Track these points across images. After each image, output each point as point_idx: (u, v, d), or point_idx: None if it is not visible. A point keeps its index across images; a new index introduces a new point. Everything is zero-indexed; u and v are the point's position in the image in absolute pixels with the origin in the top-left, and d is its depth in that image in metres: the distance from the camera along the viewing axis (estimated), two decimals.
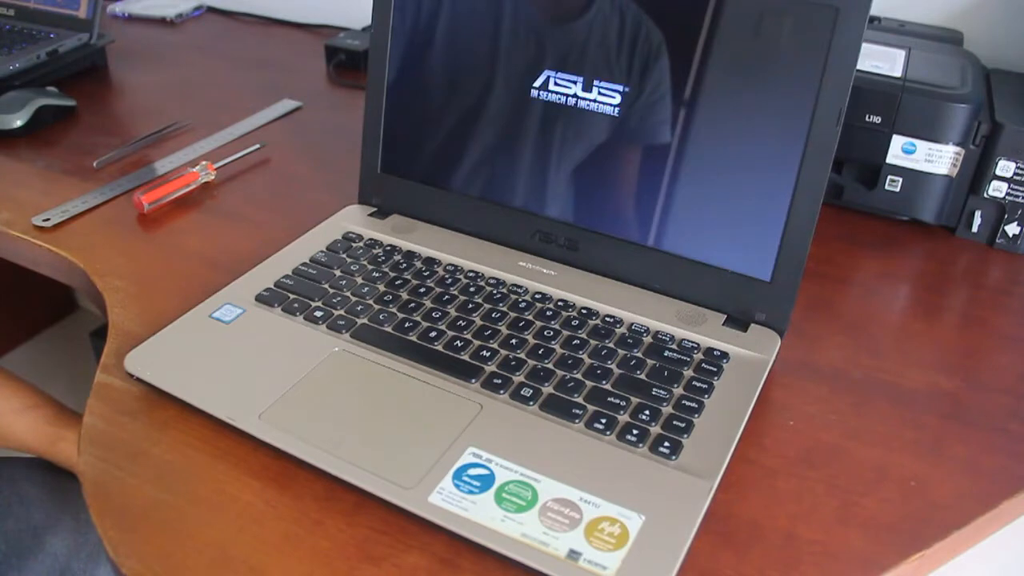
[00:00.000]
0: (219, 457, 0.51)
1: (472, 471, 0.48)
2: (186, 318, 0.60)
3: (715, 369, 0.56)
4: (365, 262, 0.66)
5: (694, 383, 0.55)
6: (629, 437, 0.51)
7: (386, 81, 0.69)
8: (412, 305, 0.61)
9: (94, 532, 0.81)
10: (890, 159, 0.73)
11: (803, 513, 0.48)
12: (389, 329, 0.59)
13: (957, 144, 0.70)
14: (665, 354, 0.57)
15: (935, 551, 0.47)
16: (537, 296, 0.62)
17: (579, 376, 0.55)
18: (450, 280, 0.64)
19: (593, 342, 0.58)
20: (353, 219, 0.71)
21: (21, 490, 0.84)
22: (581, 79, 0.62)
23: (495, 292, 0.63)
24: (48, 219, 0.74)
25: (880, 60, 0.74)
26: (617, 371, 0.56)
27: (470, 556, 0.45)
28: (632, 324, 0.60)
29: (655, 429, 0.51)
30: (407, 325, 0.59)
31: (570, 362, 0.56)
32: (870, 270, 0.70)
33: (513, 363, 0.56)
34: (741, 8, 0.57)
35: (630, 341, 0.58)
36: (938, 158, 0.71)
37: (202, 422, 0.53)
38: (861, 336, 0.62)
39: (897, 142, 0.72)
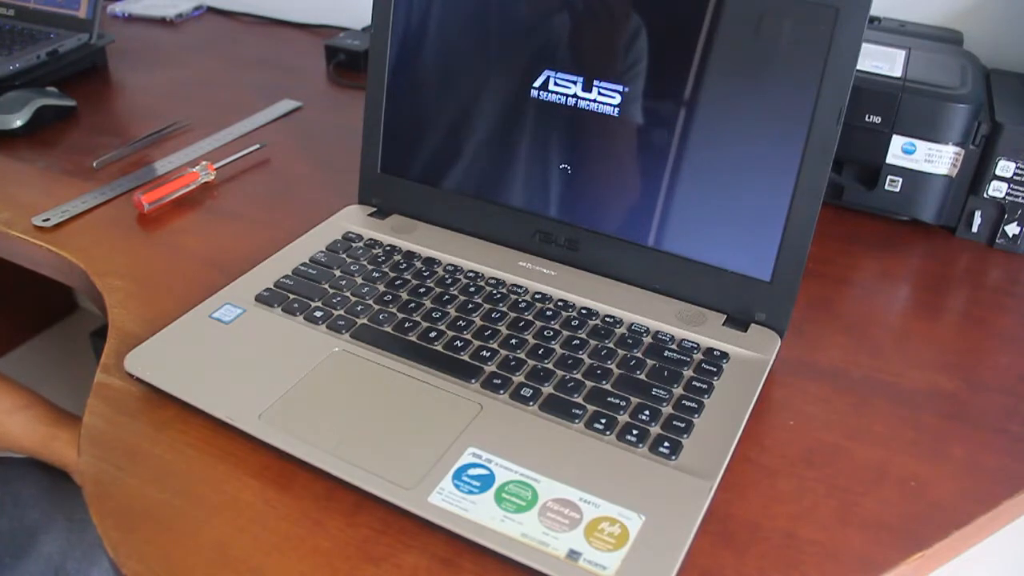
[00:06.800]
0: (219, 457, 0.51)
1: (472, 471, 0.48)
2: (186, 318, 0.60)
3: (715, 369, 0.56)
4: (365, 262, 0.66)
5: (694, 383, 0.55)
6: (629, 437, 0.51)
7: (386, 81, 0.69)
8: (412, 305, 0.61)
9: (88, 532, 0.81)
10: (890, 159, 0.73)
11: (803, 513, 0.48)
12: (389, 329, 0.59)
13: (957, 144, 0.70)
14: (665, 354, 0.57)
15: (935, 551, 0.47)
16: (537, 296, 0.62)
17: (579, 376, 0.55)
18: (450, 280, 0.64)
19: (593, 342, 0.58)
20: (353, 219, 0.71)
21: (15, 490, 0.84)
22: (581, 79, 0.62)
23: (495, 292, 0.63)
24: (48, 219, 0.74)
25: (880, 60, 0.74)
26: (617, 371, 0.56)
27: (470, 556, 0.45)
28: (632, 324, 0.60)
29: (655, 429, 0.51)
30: (407, 325, 0.59)
31: (570, 362, 0.56)
32: (870, 270, 0.70)
33: (513, 363, 0.56)
34: (741, 8, 0.57)
35: (630, 341, 0.58)
36: (938, 158, 0.71)
37: (202, 422, 0.53)
38: (861, 336, 0.62)
39: (897, 142, 0.72)
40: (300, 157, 0.87)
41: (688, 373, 0.56)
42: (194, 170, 0.80)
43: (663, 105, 0.60)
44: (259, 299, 0.62)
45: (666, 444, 0.50)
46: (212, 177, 0.81)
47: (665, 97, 0.60)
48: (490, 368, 0.56)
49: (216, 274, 0.66)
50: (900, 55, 0.76)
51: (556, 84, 0.63)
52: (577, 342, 0.58)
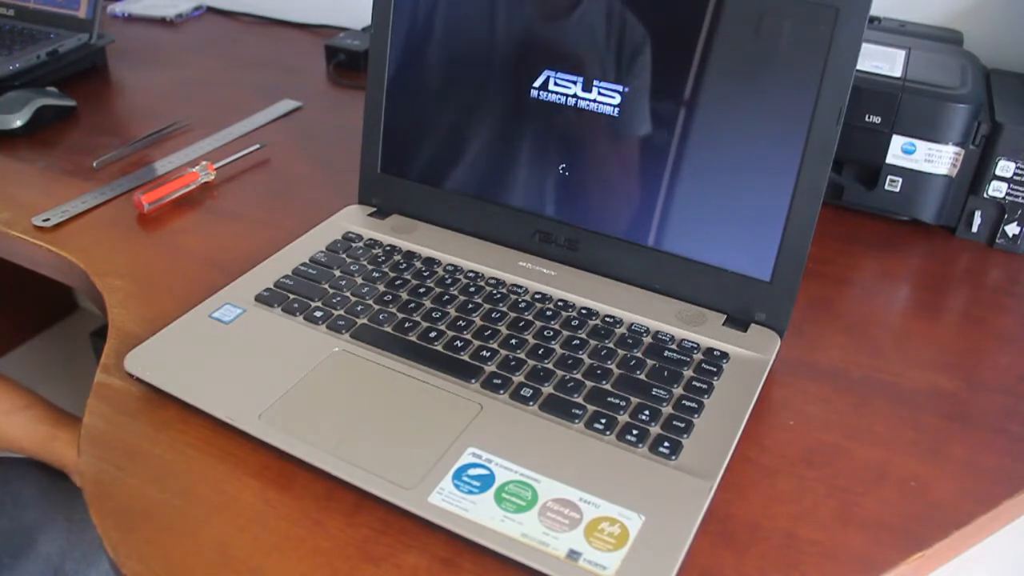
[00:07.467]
0: (219, 457, 0.51)
1: (472, 471, 0.48)
2: (186, 318, 0.60)
3: (715, 369, 0.56)
4: (365, 262, 0.66)
5: (694, 383, 0.55)
6: (629, 437, 0.51)
7: (386, 81, 0.69)
8: (412, 305, 0.61)
9: (87, 532, 0.82)
10: (890, 159, 0.73)
11: (803, 513, 0.48)
12: (389, 329, 0.59)
13: (957, 144, 0.70)
14: (665, 354, 0.57)
15: (935, 551, 0.47)
16: (537, 296, 0.62)
17: (579, 376, 0.55)
18: (450, 280, 0.64)
19: (593, 342, 0.58)
20: (353, 219, 0.71)
21: (15, 490, 0.84)
22: (581, 79, 0.62)
23: (495, 292, 0.63)
24: (48, 219, 0.74)
25: (880, 60, 0.74)
26: (617, 371, 0.56)
27: (470, 556, 0.45)
28: (632, 324, 0.60)
29: (655, 429, 0.51)
30: (407, 325, 0.59)
31: (570, 362, 0.56)
32: (870, 270, 0.70)
33: (513, 363, 0.56)
34: (741, 8, 0.57)
35: (630, 341, 0.58)
36: (938, 158, 0.71)
37: (202, 422, 0.53)
38: (861, 336, 0.62)
39: (897, 142, 0.72)
40: (300, 157, 0.87)
41: (688, 373, 0.56)
42: (194, 170, 0.80)
43: (663, 105, 0.60)
44: (259, 299, 0.62)
45: (666, 444, 0.50)
46: (212, 177, 0.81)
47: (665, 97, 0.60)
48: (490, 368, 0.56)
49: (216, 274, 0.66)
50: (900, 55, 0.76)
51: (556, 84, 0.63)
52: (577, 342, 0.58)
